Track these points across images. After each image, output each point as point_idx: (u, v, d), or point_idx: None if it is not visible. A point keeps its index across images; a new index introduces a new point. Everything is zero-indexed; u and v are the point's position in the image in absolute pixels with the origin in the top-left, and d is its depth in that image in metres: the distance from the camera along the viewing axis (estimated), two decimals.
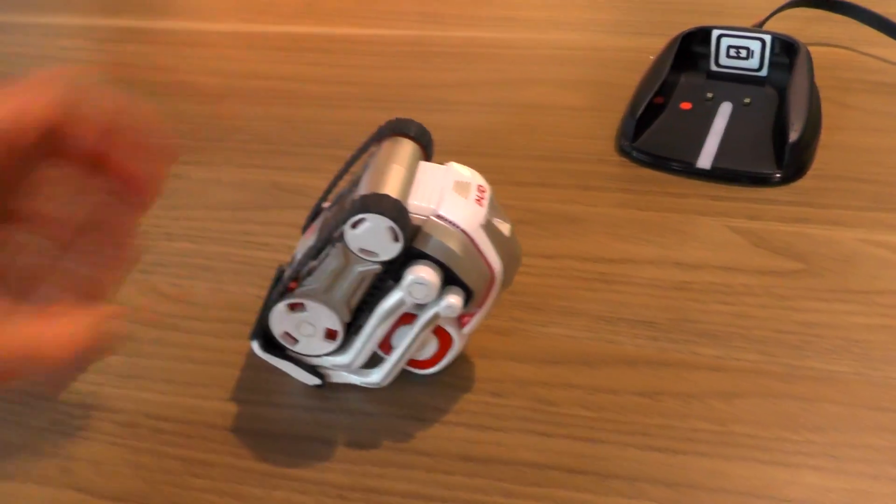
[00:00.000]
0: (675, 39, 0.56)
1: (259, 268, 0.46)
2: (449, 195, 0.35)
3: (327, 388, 0.39)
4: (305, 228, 0.40)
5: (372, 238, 0.33)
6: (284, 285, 0.36)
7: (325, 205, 0.40)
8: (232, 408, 0.39)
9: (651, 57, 0.58)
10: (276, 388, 0.40)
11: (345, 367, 0.38)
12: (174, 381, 0.41)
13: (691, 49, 0.56)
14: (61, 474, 0.37)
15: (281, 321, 0.37)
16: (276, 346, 0.38)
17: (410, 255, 0.34)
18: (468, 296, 0.35)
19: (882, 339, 0.40)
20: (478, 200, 0.35)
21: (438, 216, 0.34)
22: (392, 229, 0.33)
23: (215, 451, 0.38)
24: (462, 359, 0.40)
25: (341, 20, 0.71)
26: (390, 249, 0.34)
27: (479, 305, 0.37)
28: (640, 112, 0.52)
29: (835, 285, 0.43)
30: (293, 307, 0.36)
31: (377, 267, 0.35)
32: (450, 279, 0.35)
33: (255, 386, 0.40)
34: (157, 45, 0.70)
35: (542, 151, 0.53)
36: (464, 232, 0.34)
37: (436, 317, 0.36)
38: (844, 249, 0.44)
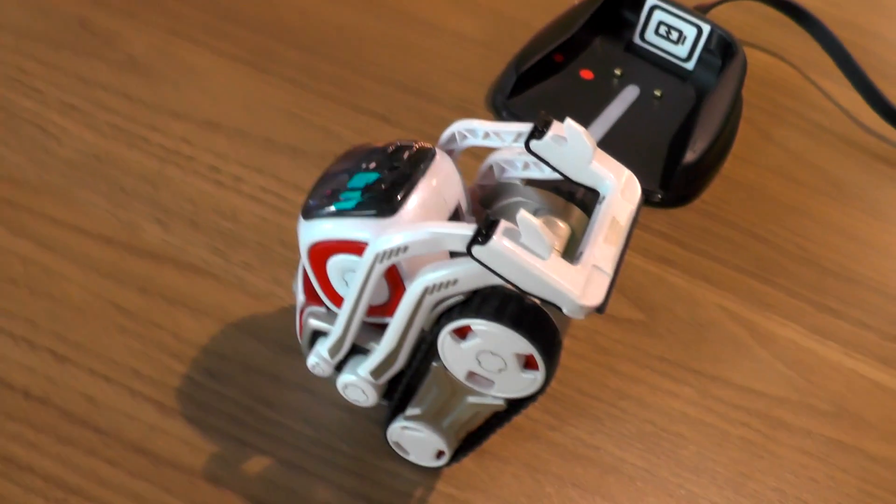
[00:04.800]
0: None
1: (15, 120, 0.35)
2: None
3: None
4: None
5: None
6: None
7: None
8: None
9: (576, 0, 0.47)
10: None
11: None
12: None
13: (618, 11, 0.46)
14: None
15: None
16: None
17: None
18: None
19: (702, 440, 0.32)
20: None
21: None
22: None
23: None
24: None
25: None
26: None
27: None
28: (526, 66, 0.42)
29: (670, 354, 0.34)
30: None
31: None
32: None
33: None
34: None
35: (402, 77, 0.43)
36: None
37: None
38: (699, 314, 0.36)
